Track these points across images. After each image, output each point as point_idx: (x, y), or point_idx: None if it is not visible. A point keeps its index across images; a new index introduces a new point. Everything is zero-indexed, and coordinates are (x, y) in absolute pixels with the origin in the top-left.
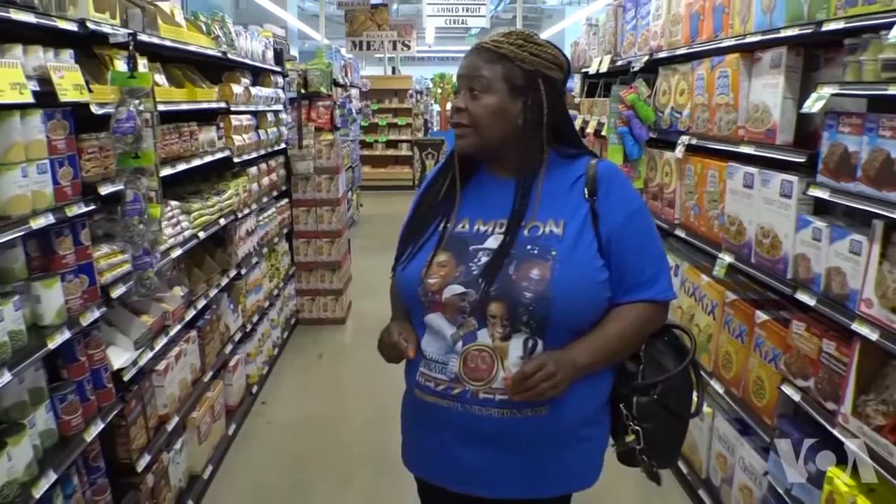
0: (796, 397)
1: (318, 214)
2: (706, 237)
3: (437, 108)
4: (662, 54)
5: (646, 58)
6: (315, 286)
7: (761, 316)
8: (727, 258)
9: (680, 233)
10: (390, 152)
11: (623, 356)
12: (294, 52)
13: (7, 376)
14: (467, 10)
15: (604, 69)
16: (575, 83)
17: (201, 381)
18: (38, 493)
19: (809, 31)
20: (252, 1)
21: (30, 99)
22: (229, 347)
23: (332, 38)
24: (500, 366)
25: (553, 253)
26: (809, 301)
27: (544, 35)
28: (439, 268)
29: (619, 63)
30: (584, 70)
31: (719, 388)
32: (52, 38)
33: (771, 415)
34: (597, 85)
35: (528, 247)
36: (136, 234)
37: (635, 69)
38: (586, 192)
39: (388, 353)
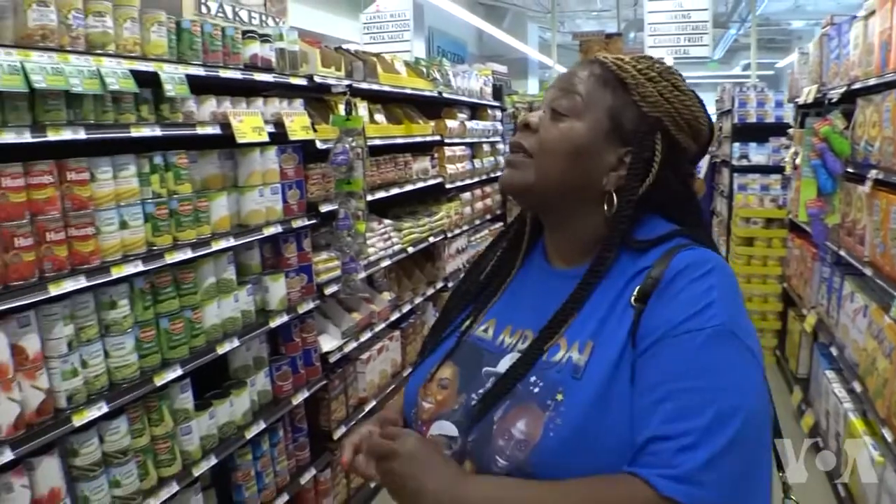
0: None
1: None
2: (889, 276)
3: None
4: (857, 85)
5: (843, 89)
6: None
7: None
8: None
9: (867, 271)
10: None
11: None
12: (533, 81)
13: (236, 342)
14: (688, 40)
15: (810, 100)
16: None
17: (400, 374)
18: (249, 434)
19: None
20: (493, 36)
21: (266, 139)
22: None
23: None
24: None
25: (559, 397)
26: None
27: (787, 60)
28: (439, 389)
29: (823, 93)
30: (795, 100)
31: (889, 437)
32: (288, 91)
33: None
34: (808, 115)
35: (533, 379)
36: (345, 245)
37: (832, 100)
38: (636, 293)
39: None
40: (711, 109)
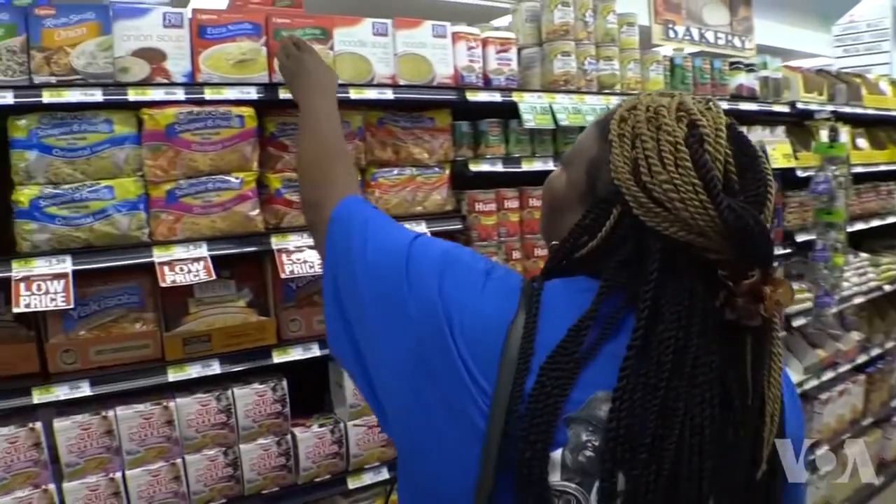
0: None
1: None
2: None
3: None
4: None
5: None
6: None
7: None
8: None
9: None
10: None
11: (309, 135)
12: None
13: None
14: None
15: None
16: None
17: (859, 423)
18: None
19: None
20: None
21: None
22: None
23: None
24: None
25: None
26: None
27: None
28: None
29: None
30: None
31: None
32: (769, 117)
33: None
34: None
35: None
36: (820, 278)
37: None
38: None
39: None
40: None
